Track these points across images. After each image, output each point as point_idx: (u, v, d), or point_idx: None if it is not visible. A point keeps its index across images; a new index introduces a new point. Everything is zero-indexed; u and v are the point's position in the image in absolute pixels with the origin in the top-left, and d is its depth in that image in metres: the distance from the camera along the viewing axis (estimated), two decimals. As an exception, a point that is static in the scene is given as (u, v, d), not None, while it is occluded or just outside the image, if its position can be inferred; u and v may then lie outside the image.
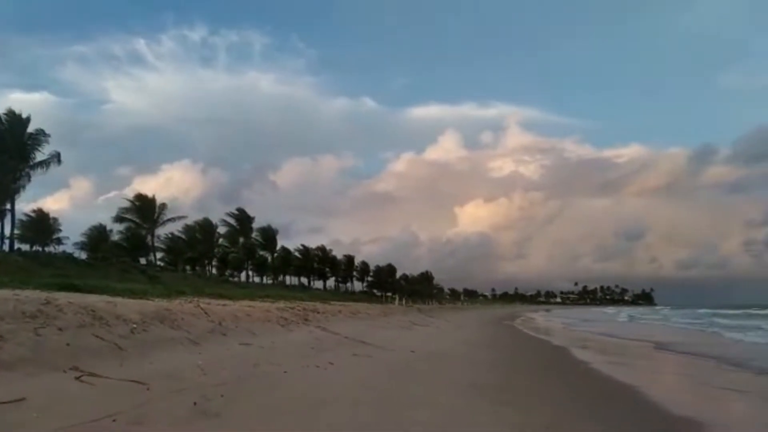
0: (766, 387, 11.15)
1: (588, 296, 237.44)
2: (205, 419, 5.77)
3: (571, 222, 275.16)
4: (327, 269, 74.13)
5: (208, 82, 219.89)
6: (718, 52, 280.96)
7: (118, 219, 46.94)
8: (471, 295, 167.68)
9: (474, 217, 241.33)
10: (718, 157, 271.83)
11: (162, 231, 50.59)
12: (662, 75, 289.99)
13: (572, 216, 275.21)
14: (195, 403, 6.25)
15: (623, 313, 77.05)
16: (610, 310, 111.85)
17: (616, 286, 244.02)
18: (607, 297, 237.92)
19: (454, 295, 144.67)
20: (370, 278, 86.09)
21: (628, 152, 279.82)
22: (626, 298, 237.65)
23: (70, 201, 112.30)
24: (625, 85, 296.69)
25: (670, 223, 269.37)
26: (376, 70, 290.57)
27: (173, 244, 52.32)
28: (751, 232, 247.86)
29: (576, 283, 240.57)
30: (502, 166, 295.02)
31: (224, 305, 17.67)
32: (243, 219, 58.82)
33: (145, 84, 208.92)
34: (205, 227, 54.64)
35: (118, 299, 13.23)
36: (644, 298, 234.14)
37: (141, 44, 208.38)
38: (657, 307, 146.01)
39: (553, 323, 45.46)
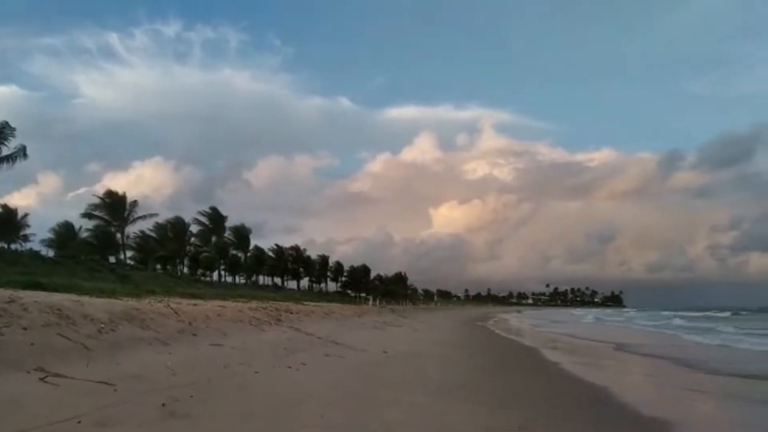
0: (721, 387, 11.47)
1: (559, 298, 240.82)
2: (173, 420, 5.70)
3: (543, 224, 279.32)
4: (301, 269, 73.70)
5: (183, 78, 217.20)
6: (688, 60, 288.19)
7: (88, 216, 45.92)
8: (444, 296, 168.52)
9: (448, 218, 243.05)
10: (685, 162, 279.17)
11: (132, 229, 49.76)
12: (634, 81, 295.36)
13: (544, 218, 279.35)
14: (163, 404, 6.17)
15: (590, 315, 79.23)
16: (578, 311, 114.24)
17: (587, 288, 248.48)
18: (578, 299, 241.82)
19: (428, 295, 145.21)
20: (344, 278, 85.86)
21: (600, 156, 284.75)
22: (596, 299, 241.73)
23: (37, 197, 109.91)
24: (598, 90, 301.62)
25: (639, 227, 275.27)
26: (352, 70, 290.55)
27: (144, 243, 51.41)
28: (717, 236, 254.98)
29: (547, 285, 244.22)
30: (477, 169, 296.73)
31: (195, 305, 17.45)
32: (216, 218, 58.10)
33: (117, 79, 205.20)
34: (177, 226, 53.82)
35: (86, 298, 12.96)
36: (614, 300, 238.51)
37: (113, 38, 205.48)
38: (624, 309, 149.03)
39: (523, 324, 46.04)
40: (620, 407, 8.70)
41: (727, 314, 68.83)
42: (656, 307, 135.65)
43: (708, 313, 72.52)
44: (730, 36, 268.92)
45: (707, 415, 8.96)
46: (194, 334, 12.44)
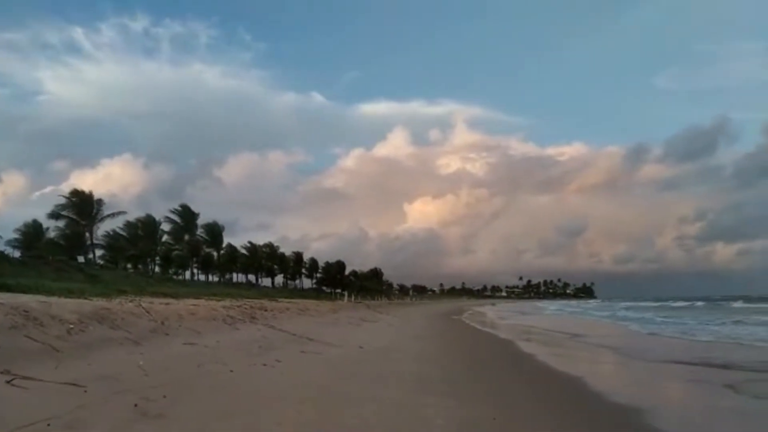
0: (664, 375, 11.90)
1: (532, 290, 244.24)
2: (146, 421, 5.62)
3: (515, 218, 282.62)
4: (275, 266, 73.23)
5: (151, 74, 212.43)
6: (655, 56, 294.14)
7: (54, 215, 44.97)
8: (419, 291, 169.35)
9: (422, 213, 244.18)
10: (651, 156, 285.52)
11: (102, 228, 48.82)
12: (604, 75, 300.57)
13: (516, 212, 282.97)
14: (136, 405, 6.08)
15: (552, 306, 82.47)
16: (541, 303, 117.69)
17: (559, 280, 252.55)
18: (550, 291, 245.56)
19: (403, 290, 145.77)
20: (319, 275, 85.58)
21: (570, 150, 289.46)
22: (568, 291, 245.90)
23: (2, 197, 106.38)
24: (568, 85, 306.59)
25: (608, 219, 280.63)
26: (325, 65, 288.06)
27: (114, 242, 50.47)
28: (683, 227, 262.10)
29: (521, 278, 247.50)
30: (450, 163, 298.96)
31: (167, 304, 17.22)
32: (187, 215, 57.33)
33: (83, 75, 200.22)
34: (148, 224, 52.96)
35: (54, 299, 12.68)
36: (585, 292, 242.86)
37: (78, 33, 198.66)
38: (590, 300, 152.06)
39: (494, 316, 46.69)
40: (585, 392, 8.90)
41: (683, 303, 72.10)
42: (626, 298, 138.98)
43: (669, 303, 76.72)
44: (695, 32, 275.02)
45: (665, 400, 9.22)
46: (167, 334, 12.29)
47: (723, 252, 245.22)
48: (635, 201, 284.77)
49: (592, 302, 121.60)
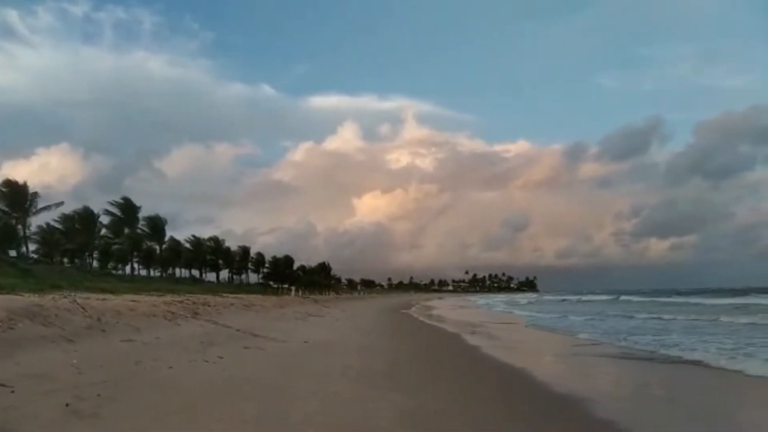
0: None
1: (477, 284, 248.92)
2: (78, 421, 5.42)
3: (462, 213, 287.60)
4: (220, 261, 71.75)
5: (92, 60, 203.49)
6: (598, 56, 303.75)
7: (-17, 208, 42.47)
8: (368, 285, 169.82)
9: (371, 207, 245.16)
10: (588, 154, 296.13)
11: (36, 221, 46.57)
12: (549, 74, 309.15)
13: (463, 207, 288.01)
14: (67, 405, 5.85)
15: (481, 301, 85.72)
16: (473, 297, 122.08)
17: (503, 274, 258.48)
18: (495, 285, 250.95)
19: (351, 285, 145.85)
20: (266, 270, 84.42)
21: (516, 147, 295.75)
22: (512, 285, 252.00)
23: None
24: (516, 83, 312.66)
25: (550, 215, 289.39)
26: (274, 57, 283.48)
27: (48, 235, 48.20)
28: (620, 223, 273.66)
29: (467, 272, 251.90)
30: (399, 158, 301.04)
31: (105, 300, 16.64)
32: (128, 208, 55.31)
33: (18, 60, 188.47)
34: (85, 217, 50.77)
35: (-20, 295, 12.04)
36: (528, 285, 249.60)
37: (13, 16, 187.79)
38: (524, 295, 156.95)
39: (440, 311, 47.49)
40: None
41: (606, 297, 77.89)
42: (566, 291, 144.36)
43: (582, 297, 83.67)
44: (636, 34, 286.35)
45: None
46: (103, 330, 11.86)
47: (657, 247, 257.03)
48: (575, 197, 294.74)
49: (518, 296, 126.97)
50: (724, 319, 25.12)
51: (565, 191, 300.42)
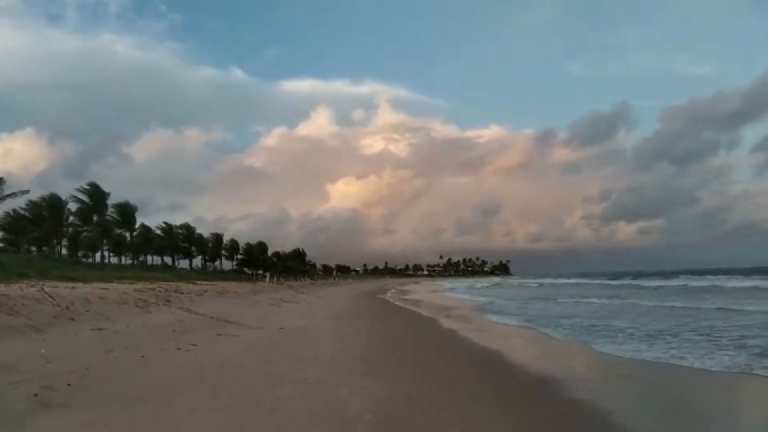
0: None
1: (452, 268, 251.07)
2: (46, 411, 5.36)
3: (435, 198, 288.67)
4: (193, 248, 70.89)
5: (56, 42, 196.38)
6: (569, 42, 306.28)
7: (-56, 196, 41.01)
8: (343, 271, 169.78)
9: (345, 193, 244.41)
10: (557, 139, 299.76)
11: (2, 207, 45.23)
12: (522, 60, 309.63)
13: (437, 193, 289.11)
14: (35, 395, 5.77)
15: (447, 284, 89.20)
16: (444, 282, 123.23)
17: (477, 258, 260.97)
18: (469, 269, 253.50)
19: (327, 271, 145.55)
20: (240, 256, 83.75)
21: (488, 133, 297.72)
22: (486, 269, 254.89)
23: None
24: (489, 68, 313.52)
25: (522, 200, 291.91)
26: (245, 40, 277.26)
27: (14, 223, 46.93)
28: (589, 207, 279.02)
29: (441, 256, 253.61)
30: (373, 144, 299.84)
31: (74, 288, 16.34)
32: (96, 195, 54.07)
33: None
34: (53, 204, 49.50)
35: (-57, 285, 11.72)
36: (502, 269, 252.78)
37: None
38: (493, 278, 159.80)
39: (418, 295, 47.89)
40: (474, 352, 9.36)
41: (569, 280, 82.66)
42: (538, 275, 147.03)
43: (541, 280, 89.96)
44: (605, 21, 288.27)
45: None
46: (72, 319, 11.70)
47: (625, 230, 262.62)
48: (546, 182, 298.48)
49: (483, 280, 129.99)
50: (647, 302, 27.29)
51: (536, 176, 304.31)
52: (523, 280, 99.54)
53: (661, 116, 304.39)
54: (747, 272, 71.66)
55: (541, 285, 69.19)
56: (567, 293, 41.84)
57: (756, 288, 36.86)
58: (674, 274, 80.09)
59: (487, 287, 68.96)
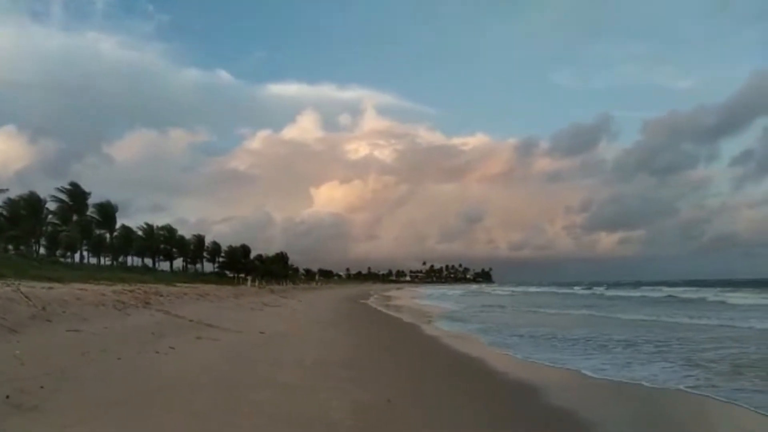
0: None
1: (434, 275, 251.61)
2: (18, 414, 5.24)
3: (419, 205, 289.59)
4: (174, 250, 70.09)
5: (40, 40, 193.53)
6: (555, 53, 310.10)
7: None
8: (326, 275, 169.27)
9: (329, 198, 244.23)
10: (540, 149, 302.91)
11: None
12: (509, 69, 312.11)
13: (421, 199, 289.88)
14: (8, 397, 5.63)
15: (428, 291, 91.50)
16: (422, 288, 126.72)
17: (460, 265, 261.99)
18: (452, 275, 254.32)
19: (309, 275, 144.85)
20: (222, 259, 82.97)
21: (474, 141, 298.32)
22: (468, 276, 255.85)
23: None
24: (475, 77, 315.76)
25: (505, 208, 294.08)
26: (233, 42, 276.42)
27: (-9, 221, 46.04)
28: (571, 217, 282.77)
29: (424, 263, 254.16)
30: (358, 149, 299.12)
31: (51, 288, 16.04)
32: (77, 194, 53.26)
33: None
34: (31, 202, 48.65)
35: None
36: (484, 277, 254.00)
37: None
38: (481, 285, 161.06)
39: (400, 301, 48.00)
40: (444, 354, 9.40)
41: (539, 289, 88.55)
42: (520, 283, 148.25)
43: (526, 288, 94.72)
44: (590, 33, 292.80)
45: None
46: (49, 320, 11.45)
47: (606, 240, 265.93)
48: (529, 191, 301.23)
49: (458, 288, 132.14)
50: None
51: (519, 184, 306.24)
52: (500, 289, 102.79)
53: (642, 128, 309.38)
54: (725, 284, 74.07)
55: (513, 293, 71.88)
56: (533, 302, 43.56)
57: (703, 300, 40.16)
58: (654, 284, 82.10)
59: (460, 295, 69.95)
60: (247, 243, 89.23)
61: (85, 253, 55.86)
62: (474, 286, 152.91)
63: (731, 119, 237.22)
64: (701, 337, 15.86)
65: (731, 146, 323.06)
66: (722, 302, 37.01)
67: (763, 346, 13.76)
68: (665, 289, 63.54)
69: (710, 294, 45.95)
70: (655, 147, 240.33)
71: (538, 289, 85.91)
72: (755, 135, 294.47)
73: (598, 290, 70.42)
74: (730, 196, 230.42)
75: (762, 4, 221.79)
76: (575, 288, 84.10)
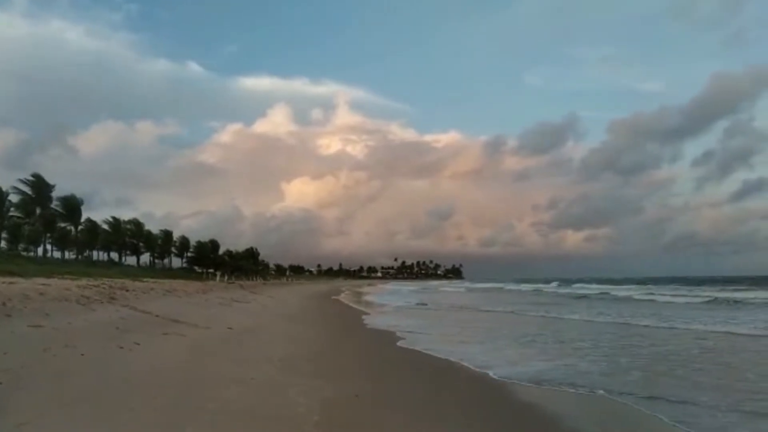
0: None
1: (406, 271, 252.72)
2: (-25, 412, 5.12)
3: (391, 201, 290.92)
4: (141, 244, 68.76)
5: (2, 27, 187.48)
6: (527, 53, 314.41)
7: None
8: (297, 271, 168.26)
9: (300, 193, 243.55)
10: (508, 147, 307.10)
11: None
12: (482, 68, 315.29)
13: (392, 195, 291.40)
14: (-36, 394, 5.50)
15: (389, 286, 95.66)
16: (385, 284, 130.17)
17: (431, 262, 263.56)
18: (423, 272, 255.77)
19: (280, 270, 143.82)
20: (190, 254, 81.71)
21: (446, 138, 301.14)
22: (439, 272, 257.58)
23: None
24: (449, 74, 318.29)
25: (475, 205, 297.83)
26: (203, 34, 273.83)
27: (-51, 213, 44.52)
28: (538, 215, 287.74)
29: (395, 259, 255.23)
30: (330, 144, 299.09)
31: (12, 283, 15.63)
32: (40, 187, 51.80)
33: None
34: (-9, 195, 47.19)
35: None
36: (454, 273, 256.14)
37: None
38: (451, 281, 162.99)
39: (370, 297, 48.10)
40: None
41: (511, 285, 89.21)
42: (489, 279, 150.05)
43: (483, 285, 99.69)
44: (562, 34, 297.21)
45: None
46: (9, 315, 11.15)
47: (573, 238, 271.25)
48: (498, 188, 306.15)
49: (415, 284, 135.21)
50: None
51: (488, 182, 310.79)
52: (449, 286, 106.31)
53: (608, 128, 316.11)
54: (682, 282, 77.38)
55: (469, 290, 75.12)
56: (484, 300, 44.39)
57: (630, 298, 41.61)
58: (616, 283, 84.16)
59: (414, 292, 69.74)
60: (216, 238, 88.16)
61: (48, 247, 54.44)
62: (435, 282, 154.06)
63: (693, 121, 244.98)
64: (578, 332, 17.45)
65: (693, 147, 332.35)
66: (651, 301, 37.81)
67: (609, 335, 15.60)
68: (596, 286, 66.75)
69: (639, 293, 47.02)
70: (620, 147, 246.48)
71: (482, 285, 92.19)
72: (716, 137, 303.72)
73: (549, 288, 71.75)
74: (692, 196, 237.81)
75: (722, 10, 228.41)
76: (522, 285, 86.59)
